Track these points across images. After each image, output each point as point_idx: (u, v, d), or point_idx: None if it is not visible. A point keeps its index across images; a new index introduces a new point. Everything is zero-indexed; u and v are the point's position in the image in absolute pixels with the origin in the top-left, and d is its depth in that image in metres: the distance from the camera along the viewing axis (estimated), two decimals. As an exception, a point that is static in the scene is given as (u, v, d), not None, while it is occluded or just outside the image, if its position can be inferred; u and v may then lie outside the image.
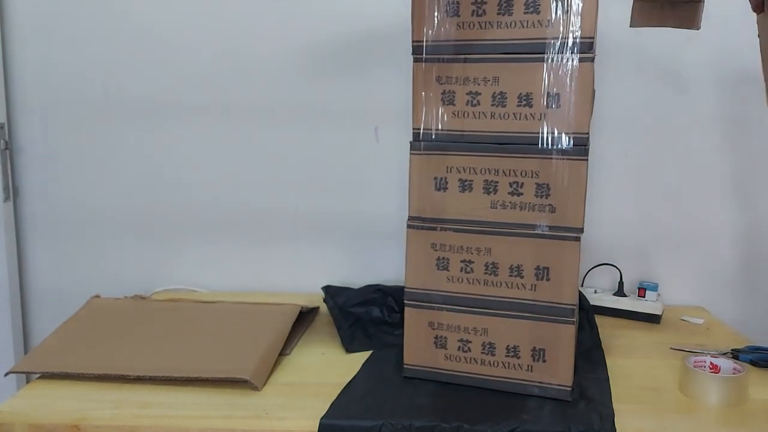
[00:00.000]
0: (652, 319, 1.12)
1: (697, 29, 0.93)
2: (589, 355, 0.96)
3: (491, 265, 0.83)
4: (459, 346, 0.85)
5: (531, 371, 0.83)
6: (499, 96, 0.80)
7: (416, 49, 0.83)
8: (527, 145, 0.80)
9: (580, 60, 0.77)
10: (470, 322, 0.84)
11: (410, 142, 0.84)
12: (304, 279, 1.27)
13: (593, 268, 1.22)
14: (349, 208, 1.27)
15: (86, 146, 1.28)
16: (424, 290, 0.86)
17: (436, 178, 0.84)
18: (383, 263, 1.26)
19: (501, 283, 0.83)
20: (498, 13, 0.79)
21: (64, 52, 1.25)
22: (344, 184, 1.27)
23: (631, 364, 0.94)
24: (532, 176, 0.80)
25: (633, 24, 0.95)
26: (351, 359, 0.95)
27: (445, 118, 0.83)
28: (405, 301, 0.87)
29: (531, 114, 0.79)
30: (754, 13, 0.85)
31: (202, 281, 1.30)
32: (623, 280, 1.18)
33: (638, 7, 0.94)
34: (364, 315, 1.08)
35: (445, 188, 0.83)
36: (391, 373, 0.90)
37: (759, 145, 1.20)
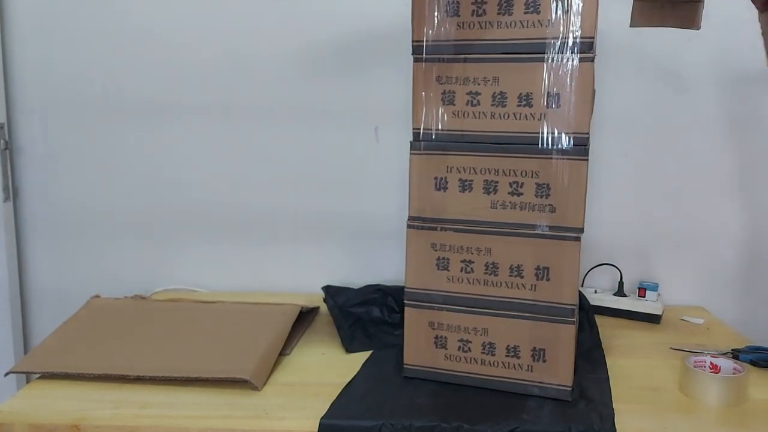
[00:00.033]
0: (652, 319, 1.12)
1: (697, 29, 0.93)
2: (589, 355, 0.96)
3: (491, 265, 0.83)
4: (459, 346, 0.85)
5: (531, 371, 0.83)
6: (499, 96, 0.80)
7: (416, 49, 0.83)
8: (527, 145, 0.80)
9: (580, 60, 0.77)
10: (470, 322, 0.84)
11: (410, 142, 0.84)
12: (304, 279, 1.27)
13: (593, 268, 1.22)
14: (349, 208, 1.28)
15: (86, 146, 1.28)
16: (424, 290, 0.86)
17: (436, 178, 0.84)
18: (383, 263, 1.26)
19: (501, 283, 0.83)
20: (498, 13, 0.79)
21: (64, 52, 1.25)
22: (344, 184, 1.27)
23: (631, 364, 0.94)
24: (532, 176, 0.80)
25: (633, 24, 0.95)
26: (351, 359, 0.95)
27: (445, 118, 0.83)
28: (405, 301, 0.87)
29: (531, 114, 0.79)
30: (756, 13, 0.85)
31: (202, 281, 1.30)
32: (623, 280, 1.18)
33: (638, 7, 0.94)
34: (364, 315, 1.08)
35: (445, 188, 0.83)
36: (391, 373, 0.90)
37: (759, 145, 1.20)
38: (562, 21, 0.77)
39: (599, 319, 1.06)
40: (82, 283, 1.28)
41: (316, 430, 0.74)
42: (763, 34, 0.85)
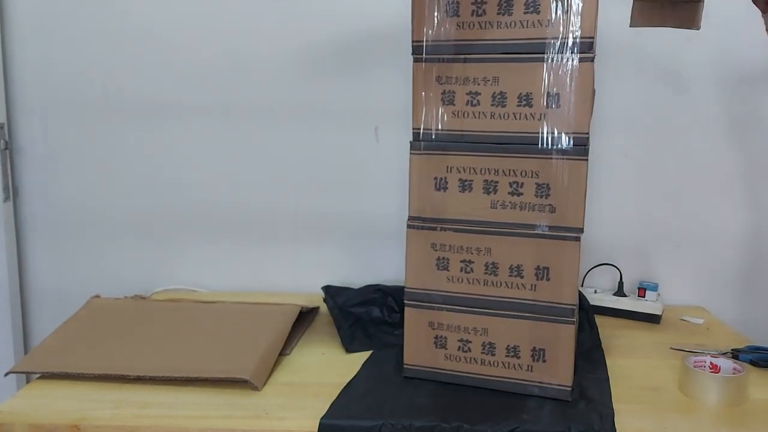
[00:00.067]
0: (652, 319, 1.12)
1: (697, 29, 0.93)
2: (589, 355, 0.96)
3: (491, 265, 0.83)
4: (459, 346, 0.85)
5: (531, 371, 0.83)
6: (499, 96, 0.80)
7: (416, 49, 0.83)
8: (527, 145, 0.80)
9: (580, 60, 0.77)
10: (470, 322, 0.84)
11: (410, 142, 0.84)
12: (304, 279, 1.27)
13: (593, 268, 1.22)
14: (349, 208, 1.28)
15: (86, 146, 1.28)
16: (424, 290, 0.86)
17: (436, 178, 0.84)
18: (383, 263, 1.26)
19: (501, 283, 0.83)
20: (498, 13, 0.79)
21: (64, 52, 1.25)
22: (344, 184, 1.27)
23: (631, 364, 0.94)
24: (532, 176, 0.80)
25: (633, 24, 0.95)
26: (351, 359, 0.95)
27: (445, 118, 0.83)
28: (405, 301, 0.87)
29: (531, 114, 0.79)
30: (758, 13, 0.85)
31: (202, 281, 1.30)
32: (623, 280, 1.18)
33: (638, 7, 0.94)
34: (364, 315, 1.08)
35: (445, 188, 0.83)
36: (391, 373, 0.90)
37: (759, 145, 1.20)
38: (561, 21, 0.77)
39: (599, 319, 1.06)
40: (82, 283, 1.28)
41: (316, 430, 0.74)
42: None
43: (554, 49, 0.78)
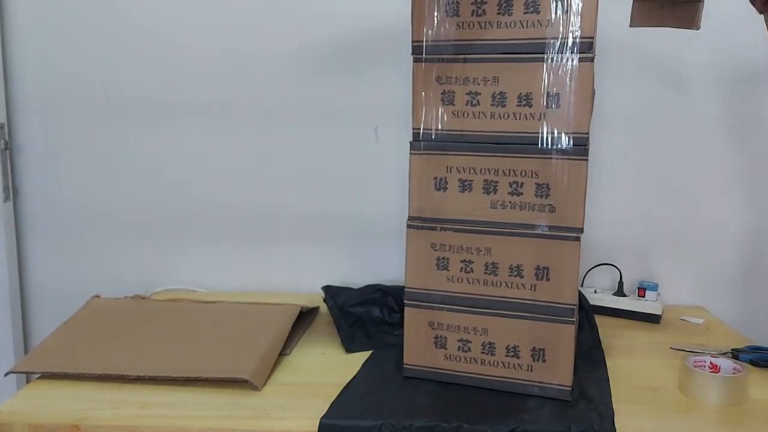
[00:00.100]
0: (652, 319, 1.12)
1: (697, 29, 0.93)
2: (589, 355, 0.96)
3: (491, 265, 0.83)
4: (459, 346, 0.85)
5: (531, 371, 0.83)
6: (499, 96, 0.80)
7: (416, 49, 0.83)
8: (527, 145, 0.80)
9: (580, 60, 0.77)
10: (470, 322, 0.84)
11: (410, 142, 0.84)
12: (304, 279, 1.27)
13: (593, 268, 1.22)
14: (349, 208, 1.28)
15: (86, 146, 1.28)
16: (424, 290, 0.86)
17: (436, 178, 0.84)
18: (383, 263, 1.26)
19: (501, 283, 0.83)
20: (498, 13, 0.79)
21: (64, 52, 1.25)
22: (344, 184, 1.27)
23: (631, 364, 0.94)
24: (532, 176, 0.80)
25: (633, 24, 0.95)
26: (351, 359, 0.95)
27: (445, 118, 0.83)
28: (405, 301, 0.87)
29: (531, 114, 0.79)
30: (760, 13, 0.85)
31: (202, 281, 1.30)
32: (623, 280, 1.18)
33: (638, 7, 0.94)
34: (364, 315, 1.08)
35: (445, 188, 0.83)
36: (391, 373, 0.90)
37: (759, 145, 1.20)
38: (561, 21, 0.77)
39: (599, 319, 1.06)
40: (82, 283, 1.28)
41: (316, 430, 0.74)
42: None
43: (554, 49, 0.78)
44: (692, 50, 1.18)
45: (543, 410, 0.79)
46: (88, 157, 1.28)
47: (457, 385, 0.86)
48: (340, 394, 0.82)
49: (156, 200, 1.29)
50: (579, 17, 0.76)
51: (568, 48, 0.77)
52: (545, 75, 0.78)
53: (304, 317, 1.09)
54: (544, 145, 0.79)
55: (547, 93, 0.79)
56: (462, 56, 0.81)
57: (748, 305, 1.24)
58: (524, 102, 0.79)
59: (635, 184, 1.23)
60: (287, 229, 1.29)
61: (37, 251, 1.32)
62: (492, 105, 0.81)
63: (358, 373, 0.90)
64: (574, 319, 0.81)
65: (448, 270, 0.85)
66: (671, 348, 1.00)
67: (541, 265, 0.81)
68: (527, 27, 0.78)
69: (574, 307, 0.81)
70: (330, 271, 1.28)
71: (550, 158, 0.79)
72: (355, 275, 1.26)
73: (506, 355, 0.84)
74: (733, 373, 0.84)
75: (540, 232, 0.81)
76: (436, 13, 0.81)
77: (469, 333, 0.85)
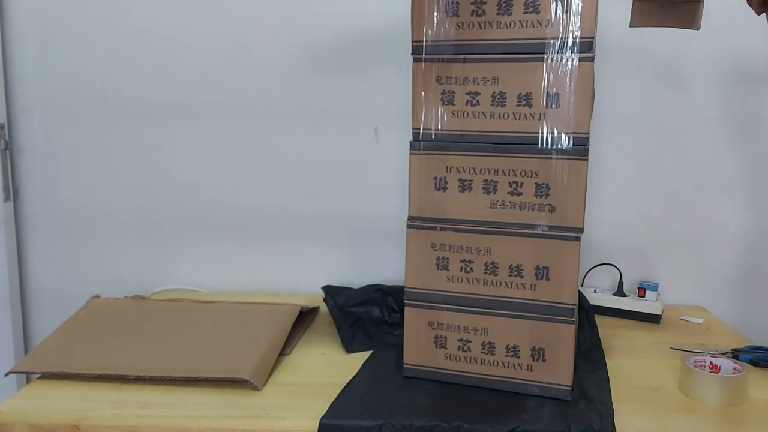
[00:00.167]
0: (652, 319, 1.12)
1: (697, 29, 0.93)
2: (589, 355, 0.96)
3: (491, 265, 0.83)
4: (459, 346, 0.85)
5: (531, 371, 0.83)
6: (499, 96, 0.80)
7: (416, 49, 0.83)
8: (527, 145, 0.80)
9: (580, 60, 0.77)
10: (470, 322, 0.84)
11: (410, 142, 0.84)
12: (304, 279, 1.27)
13: (593, 268, 1.22)
14: (349, 208, 1.28)
15: (86, 146, 1.28)
16: (424, 290, 0.86)
17: (436, 178, 0.84)
18: (383, 263, 1.26)
19: (501, 282, 0.83)
20: (497, 13, 0.79)
21: (64, 52, 1.25)
22: (344, 184, 1.27)
23: (631, 364, 0.94)
24: (531, 176, 0.80)
25: (633, 24, 0.95)
26: (351, 359, 0.95)
27: (445, 118, 0.83)
28: (405, 301, 0.87)
29: (531, 114, 0.79)
30: (758, 14, 0.84)
31: (202, 281, 1.30)
32: (623, 280, 1.18)
33: (638, 7, 0.94)
34: (364, 315, 1.08)
35: (445, 188, 0.84)
36: (391, 373, 0.90)
37: (759, 145, 1.20)
38: (561, 21, 0.77)
39: (599, 319, 1.06)
40: (82, 283, 1.28)
41: (316, 430, 0.74)
42: None
43: (554, 49, 0.78)
44: (692, 50, 1.18)
45: (543, 410, 0.79)
46: (88, 157, 1.28)
47: (456, 385, 0.86)
48: (340, 394, 0.82)
49: (156, 200, 1.29)
50: (579, 17, 0.76)
51: (568, 48, 0.77)
52: (545, 75, 0.78)
53: (304, 317, 1.09)
54: (544, 145, 0.79)
55: (547, 93, 0.79)
56: (462, 56, 0.81)
57: (748, 305, 1.24)
58: (524, 102, 0.79)
59: (635, 184, 1.23)
60: (287, 229, 1.29)
61: (37, 251, 1.32)
62: (492, 105, 0.81)
63: (358, 373, 0.90)
64: (574, 319, 0.81)
65: (448, 270, 0.85)
66: (671, 348, 1.00)
67: (541, 265, 0.81)
68: (527, 27, 0.78)
69: (574, 307, 0.81)
70: (330, 271, 1.28)
71: (550, 158, 0.79)
72: (355, 275, 1.26)
73: (506, 355, 0.84)
74: (733, 373, 0.84)
75: (540, 232, 0.81)
76: (436, 13, 0.81)
77: (469, 333, 0.85)
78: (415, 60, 0.83)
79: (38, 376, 0.88)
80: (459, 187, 0.83)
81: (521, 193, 0.81)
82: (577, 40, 0.77)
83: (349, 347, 0.99)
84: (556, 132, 0.79)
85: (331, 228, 1.28)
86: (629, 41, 1.17)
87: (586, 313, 1.05)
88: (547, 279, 0.81)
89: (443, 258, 0.85)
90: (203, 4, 1.23)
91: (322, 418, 0.76)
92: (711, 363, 0.87)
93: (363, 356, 0.96)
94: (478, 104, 0.81)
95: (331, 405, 0.79)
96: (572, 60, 0.77)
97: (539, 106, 0.79)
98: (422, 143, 0.84)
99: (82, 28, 1.24)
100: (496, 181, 0.81)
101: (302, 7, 1.22)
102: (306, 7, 1.22)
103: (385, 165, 1.25)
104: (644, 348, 1.01)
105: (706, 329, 1.11)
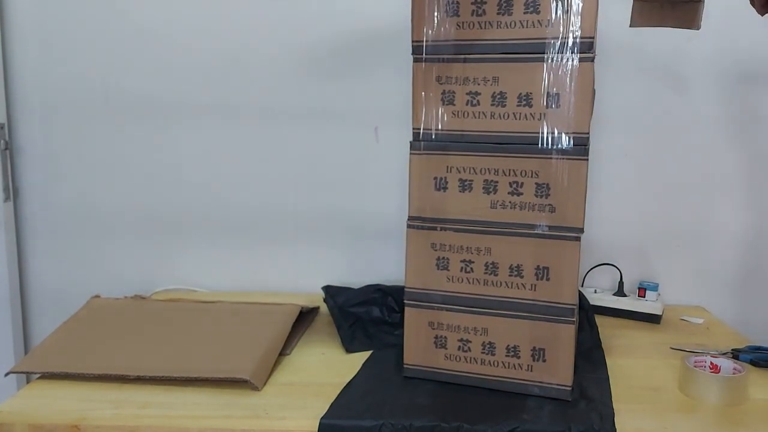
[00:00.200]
0: (652, 319, 1.12)
1: (698, 29, 0.93)
2: (589, 355, 0.96)
3: (491, 265, 0.83)
4: (459, 346, 0.85)
5: (531, 371, 0.83)
6: (499, 96, 0.80)
7: (416, 49, 0.83)
8: (527, 145, 0.80)
9: (580, 60, 0.77)
10: (470, 322, 0.84)
11: (410, 142, 0.84)
12: (304, 279, 1.27)
13: (593, 268, 1.22)
14: (349, 208, 1.28)
15: (86, 146, 1.28)
16: (424, 290, 0.86)
17: (436, 178, 0.84)
18: (383, 263, 1.26)
19: (501, 282, 0.83)
20: (498, 13, 0.79)
21: (64, 52, 1.25)
22: (344, 184, 1.27)
23: (631, 364, 0.94)
24: (532, 176, 0.80)
25: (633, 24, 0.95)
26: (351, 359, 0.95)
27: (445, 118, 0.83)
28: (405, 301, 0.87)
29: (531, 114, 0.79)
30: (761, 15, 0.84)
31: (202, 281, 1.30)
32: (623, 280, 1.18)
33: (638, 7, 0.94)
34: (364, 315, 1.08)
35: (445, 188, 0.83)
36: (391, 373, 0.90)
37: (759, 144, 1.20)
38: (562, 21, 0.77)
39: (599, 319, 1.06)
40: (82, 283, 1.28)
41: (316, 430, 0.74)
42: None
43: (554, 49, 0.78)
44: (692, 50, 1.18)
45: (543, 410, 0.79)
46: (88, 157, 1.28)
47: (457, 385, 0.86)
48: (340, 394, 0.82)
49: (156, 200, 1.29)
50: (579, 17, 0.76)
51: (568, 48, 0.77)
52: (545, 75, 0.78)
53: (304, 317, 1.09)
54: (544, 145, 0.79)
55: (547, 93, 0.79)
56: (462, 56, 0.81)
57: (748, 305, 1.24)
58: (524, 102, 0.79)
59: (635, 184, 1.23)
60: (287, 229, 1.29)
61: (37, 251, 1.32)
62: (492, 105, 0.81)
63: (358, 373, 0.89)
64: (574, 319, 0.81)
65: (448, 270, 0.85)
66: (671, 348, 1.00)
67: (541, 265, 0.81)
68: (527, 27, 0.78)
69: (574, 307, 0.81)
70: (330, 271, 1.28)
71: (550, 158, 0.79)
72: (355, 275, 1.26)
73: (506, 355, 0.84)
74: (734, 373, 0.84)
75: (540, 232, 0.81)
76: (436, 13, 0.81)
77: (469, 333, 0.85)
78: (416, 60, 0.83)
79: (38, 376, 0.88)
80: (459, 187, 0.83)
81: (521, 193, 0.81)
82: (578, 40, 0.77)
83: (349, 347, 0.99)
84: (556, 132, 0.79)
85: (331, 228, 1.28)
86: (629, 41, 1.17)
87: (586, 313, 1.05)
88: (548, 279, 0.81)
89: (443, 258, 0.85)
90: (203, 4, 1.23)
91: (322, 418, 0.76)
92: (711, 363, 0.87)
93: (363, 356, 0.96)
94: (479, 104, 0.81)
95: (331, 405, 0.79)
96: (572, 60, 0.77)
97: (539, 106, 0.79)
98: (422, 143, 0.84)
99: (83, 28, 1.24)
100: (497, 181, 0.81)
101: (302, 7, 1.22)
102: (306, 7, 1.22)
103: (385, 165, 1.25)
104: (644, 348, 1.01)
105: (706, 329, 1.11)
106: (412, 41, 0.83)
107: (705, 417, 0.78)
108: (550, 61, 0.78)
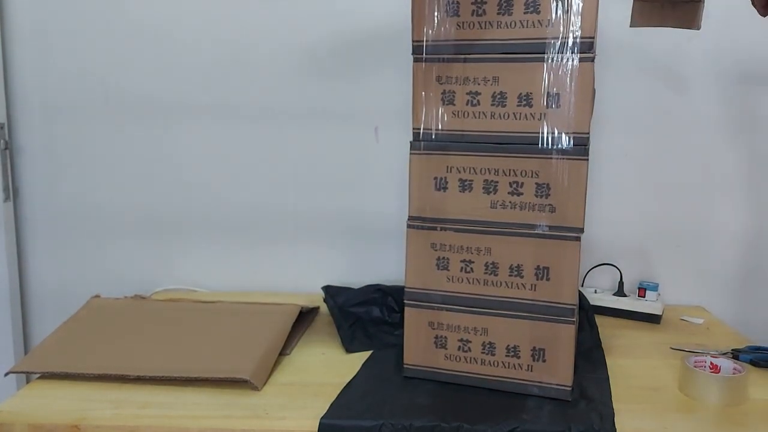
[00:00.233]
0: (652, 319, 1.12)
1: (698, 29, 0.93)
2: (589, 355, 0.96)
3: (491, 265, 0.83)
4: (459, 346, 0.85)
5: (531, 371, 0.83)
6: (499, 96, 0.80)
7: (416, 49, 0.83)
8: (527, 145, 0.80)
9: (580, 60, 0.77)
10: (470, 322, 0.84)
11: (410, 142, 0.84)
12: (304, 279, 1.27)
13: (593, 268, 1.22)
14: (349, 208, 1.28)
15: (86, 146, 1.28)
16: (424, 290, 0.86)
17: (436, 178, 0.84)
18: (383, 263, 1.26)
19: (501, 282, 0.83)
20: (498, 13, 0.79)
21: (64, 51, 1.25)
22: (344, 184, 1.27)
23: (631, 364, 0.94)
24: (532, 176, 0.80)
25: (633, 24, 0.95)
26: (351, 359, 0.95)
27: (445, 118, 0.83)
28: (405, 301, 0.87)
29: (531, 114, 0.79)
30: (763, 16, 0.85)
31: (202, 281, 1.30)
32: (623, 280, 1.18)
33: (638, 7, 0.94)
34: (364, 315, 1.08)
35: (445, 188, 0.83)
36: (391, 373, 0.90)
37: (759, 144, 1.20)
38: (562, 21, 0.77)
39: (599, 319, 1.06)
40: (82, 283, 1.28)
41: (316, 430, 0.74)
42: None
43: (554, 49, 0.78)
44: (692, 50, 1.18)
45: (543, 410, 0.79)
46: (88, 156, 1.28)
47: (456, 385, 0.86)
48: (340, 394, 0.82)
49: (156, 200, 1.29)
50: (579, 17, 0.76)
51: (568, 48, 0.77)
52: (545, 75, 0.78)
53: (304, 317, 1.09)
54: (545, 145, 0.79)
55: (548, 93, 0.78)
56: (462, 56, 0.81)
57: (748, 305, 1.24)
58: (524, 102, 0.79)
59: (635, 184, 1.23)
60: (287, 229, 1.29)
61: (37, 251, 1.32)
62: (492, 105, 0.81)
63: (358, 373, 0.89)
64: (574, 319, 0.81)
65: (448, 270, 0.85)
66: (671, 348, 1.00)
67: (541, 265, 0.81)
68: (527, 27, 0.78)
69: (574, 307, 0.81)
70: (330, 271, 1.28)
71: (551, 158, 0.79)
72: (355, 275, 1.26)
73: (506, 355, 0.84)
74: (734, 373, 0.84)
75: (540, 232, 0.81)
76: (436, 13, 0.81)
77: (469, 333, 0.85)
78: (416, 60, 0.83)
79: (38, 376, 0.88)
80: (459, 187, 0.83)
81: (521, 193, 0.81)
82: (578, 40, 0.77)
83: (349, 347, 0.99)
84: (556, 132, 0.79)
85: (331, 228, 1.28)
86: (629, 41, 1.17)
87: (586, 313, 1.05)
88: (548, 279, 0.81)
89: (443, 258, 0.85)
90: (203, 4, 1.23)
91: (322, 418, 0.76)
92: (711, 363, 0.87)
93: (363, 356, 0.96)
94: (479, 104, 0.81)
95: (331, 405, 0.79)
96: (573, 60, 0.77)
97: (540, 106, 0.79)
98: (422, 143, 0.84)
99: (82, 28, 1.24)
100: (497, 181, 0.81)
101: (302, 7, 1.22)
102: (306, 7, 1.22)
103: (385, 165, 1.25)
104: (644, 348, 1.01)
105: (706, 329, 1.11)
106: (412, 41, 0.83)
107: (705, 417, 0.78)
108: (550, 61, 0.78)
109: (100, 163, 1.28)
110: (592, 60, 0.77)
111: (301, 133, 1.26)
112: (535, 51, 0.78)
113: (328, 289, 1.16)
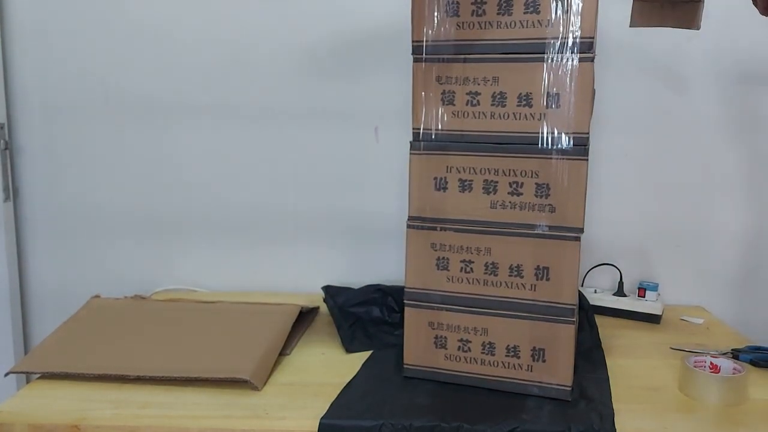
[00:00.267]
0: (652, 319, 1.12)
1: (698, 29, 0.93)
2: (589, 355, 0.96)
3: (491, 265, 0.83)
4: (459, 346, 0.85)
5: (531, 371, 0.83)
6: (499, 96, 0.80)
7: (416, 49, 0.83)
8: (527, 145, 0.80)
9: (580, 60, 0.77)
10: (470, 322, 0.84)
11: (410, 142, 0.84)
12: (304, 279, 1.27)
13: (593, 268, 1.22)
14: (349, 208, 1.28)
15: (86, 146, 1.28)
16: (424, 290, 0.86)
17: (436, 178, 0.84)
18: (383, 263, 1.26)
19: (501, 283, 0.83)
20: (498, 13, 0.79)
21: (64, 51, 1.25)
22: (344, 184, 1.27)
23: (631, 364, 0.94)
24: (532, 176, 0.80)
25: (633, 24, 0.95)
26: (351, 359, 0.95)
27: (445, 118, 0.83)
28: (405, 301, 0.87)
29: (531, 114, 0.79)
30: (764, 15, 0.85)
31: (202, 281, 1.30)
32: (623, 280, 1.18)
33: (638, 7, 0.94)
34: (364, 315, 1.08)
35: (445, 188, 0.83)
36: (391, 373, 0.90)
37: (759, 144, 1.20)
38: (561, 21, 0.77)
39: (599, 319, 1.06)
40: (82, 283, 1.28)
41: (316, 430, 0.74)
42: None
43: (554, 49, 0.78)
44: (692, 50, 1.18)
45: (543, 410, 0.79)
46: (88, 156, 1.28)
47: (456, 385, 0.86)
48: (340, 394, 0.82)
49: (156, 200, 1.29)
50: (579, 17, 0.76)
51: (568, 48, 0.77)
52: (545, 75, 0.78)
53: (304, 317, 1.09)
54: (544, 145, 0.79)
55: (547, 93, 0.79)
56: (462, 56, 0.81)
57: (748, 305, 1.24)
58: (524, 102, 0.79)
59: (635, 184, 1.23)
60: (287, 229, 1.29)
61: (37, 251, 1.32)
62: (492, 105, 0.81)
63: (358, 373, 0.90)
64: (574, 319, 0.81)
65: (448, 270, 0.85)
66: (671, 348, 1.00)
67: (541, 265, 0.81)
68: (527, 27, 0.78)
69: (574, 307, 0.81)
70: (330, 271, 1.28)
71: (550, 158, 0.79)
72: (355, 275, 1.26)
73: (506, 355, 0.84)
74: (733, 373, 0.84)
75: (540, 232, 0.81)
76: (436, 13, 0.81)
77: (469, 333, 0.85)
78: (416, 60, 0.83)
79: (38, 376, 0.88)
80: (459, 187, 0.83)
81: (521, 194, 0.81)
82: (578, 40, 0.77)
83: (349, 347, 0.99)
84: (556, 132, 0.79)
85: (330, 228, 1.28)
86: (629, 41, 1.17)
87: (586, 313, 1.05)
88: (547, 279, 0.81)
89: (443, 258, 0.85)
90: (203, 4, 1.23)
91: (322, 418, 0.76)
92: (711, 363, 0.87)
93: (363, 356, 0.96)
94: (479, 104, 0.81)
95: (331, 405, 0.79)
96: (572, 60, 0.77)
97: (539, 106, 0.79)
98: (422, 143, 0.84)
99: (83, 28, 1.24)
100: (497, 181, 0.81)
101: (302, 7, 1.22)
102: (306, 7, 1.22)
103: (385, 165, 1.25)
104: (644, 348, 1.01)
105: (706, 329, 1.11)
106: (412, 41, 0.83)
107: (705, 417, 0.78)
108: (550, 61, 0.78)
109: (100, 163, 1.28)
110: (592, 60, 0.77)
111: (301, 133, 1.26)
112: (534, 51, 0.78)
113: (328, 289, 1.16)
